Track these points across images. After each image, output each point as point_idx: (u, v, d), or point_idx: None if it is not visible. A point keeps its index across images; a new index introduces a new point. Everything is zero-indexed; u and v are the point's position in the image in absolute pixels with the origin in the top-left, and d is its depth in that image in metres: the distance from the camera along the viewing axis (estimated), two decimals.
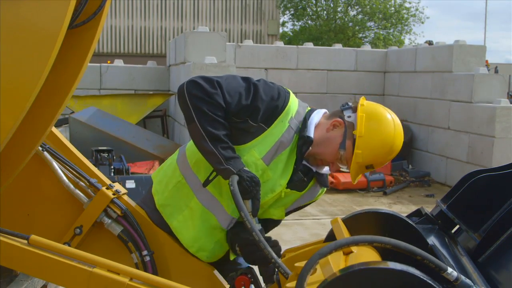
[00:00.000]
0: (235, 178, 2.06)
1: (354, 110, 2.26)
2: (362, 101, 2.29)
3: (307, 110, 2.36)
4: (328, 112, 2.40)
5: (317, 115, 2.33)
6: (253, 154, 2.20)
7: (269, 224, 2.42)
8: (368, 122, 2.20)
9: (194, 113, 2.13)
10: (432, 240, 2.05)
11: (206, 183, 2.25)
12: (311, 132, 2.26)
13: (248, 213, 2.01)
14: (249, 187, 2.08)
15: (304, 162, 2.30)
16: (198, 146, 2.18)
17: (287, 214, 2.45)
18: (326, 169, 2.37)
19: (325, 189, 2.45)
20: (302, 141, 2.25)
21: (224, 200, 2.26)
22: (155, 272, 2.32)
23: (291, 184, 2.29)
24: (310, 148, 2.26)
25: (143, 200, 2.48)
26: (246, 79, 2.24)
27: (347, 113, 2.27)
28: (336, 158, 2.26)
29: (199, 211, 2.29)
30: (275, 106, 2.20)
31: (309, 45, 11.15)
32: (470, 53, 9.46)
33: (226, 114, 2.16)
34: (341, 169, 2.32)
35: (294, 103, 2.28)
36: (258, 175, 2.17)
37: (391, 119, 2.24)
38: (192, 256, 2.36)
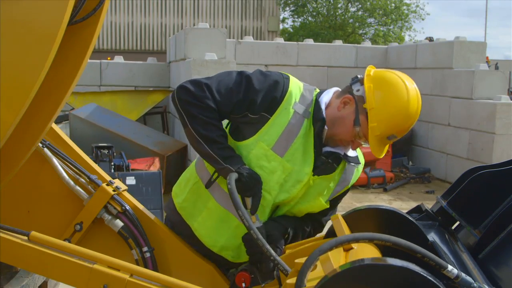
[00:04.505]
0: (233, 176, 2.05)
1: (362, 82, 2.16)
2: (369, 70, 2.18)
3: (315, 92, 2.27)
4: (339, 90, 2.29)
5: (327, 95, 2.26)
6: (262, 146, 2.15)
7: (312, 217, 2.33)
8: (376, 92, 2.09)
9: (186, 118, 2.13)
10: (432, 236, 2.05)
11: (208, 184, 2.24)
12: (322, 113, 2.18)
13: (245, 211, 1.99)
14: (248, 184, 2.07)
15: (328, 149, 2.22)
16: (195, 149, 2.17)
17: (333, 204, 2.35)
18: (350, 150, 2.27)
19: (362, 164, 2.33)
20: (317, 123, 2.17)
21: None
22: (155, 269, 2.32)
23: (317, 170, 2.21)
24: (326, 129, 2.18)
25: (167, 204, 2.49)
26: (240, 73, 2.19)
27: (355, 87, 2.17)
28: (354, 135, 2.16)
29: (218, 212, 2.26)
30: (273, 95, 2.13)
31: (310, 41, 11.11)
32: (470, 50, 9.44)
33: (220, 114, 2.14)
34: (363, 145, 2.22)
35: (295, 87, 2.20)
36: (275, 168, 2.14)
37: (401, 82, 2.11)
38: (193, 253, 2.36)
